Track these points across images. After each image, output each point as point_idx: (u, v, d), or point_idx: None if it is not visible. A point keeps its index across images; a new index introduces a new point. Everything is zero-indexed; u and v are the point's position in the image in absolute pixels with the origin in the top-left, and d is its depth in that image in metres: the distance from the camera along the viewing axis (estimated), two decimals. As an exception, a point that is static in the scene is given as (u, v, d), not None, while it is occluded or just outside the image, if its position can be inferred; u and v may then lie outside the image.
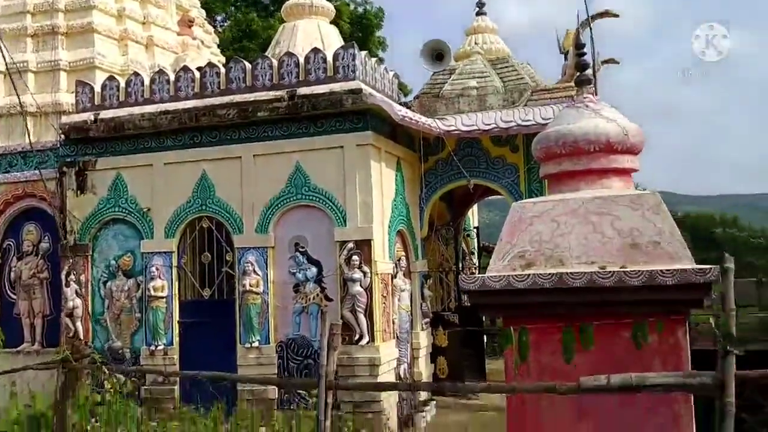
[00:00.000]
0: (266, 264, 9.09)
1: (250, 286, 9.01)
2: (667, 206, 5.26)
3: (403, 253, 9.95)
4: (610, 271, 4.98)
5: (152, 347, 9.43)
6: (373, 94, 8.78)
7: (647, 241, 5.04)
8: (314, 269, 8.92)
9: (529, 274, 5.24)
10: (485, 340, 11.95)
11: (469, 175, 10.05)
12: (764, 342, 9.11)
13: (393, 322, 9.22)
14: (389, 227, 9.28)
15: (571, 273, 5.09)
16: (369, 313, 8.56)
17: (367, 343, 8.50)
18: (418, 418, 8.97)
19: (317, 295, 8.88)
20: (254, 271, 9.04)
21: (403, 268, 9.86)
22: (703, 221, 48.80)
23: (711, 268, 4.59)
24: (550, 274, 5.17)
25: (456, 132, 9.76)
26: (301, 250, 8.99)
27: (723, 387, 2.96)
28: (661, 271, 4.80)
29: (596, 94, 7.22)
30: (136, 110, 9.74)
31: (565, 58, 10.02)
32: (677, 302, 4.84)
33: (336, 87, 8.83)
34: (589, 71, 6.56)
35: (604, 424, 4.93)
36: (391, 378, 8.79)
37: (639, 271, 4.84)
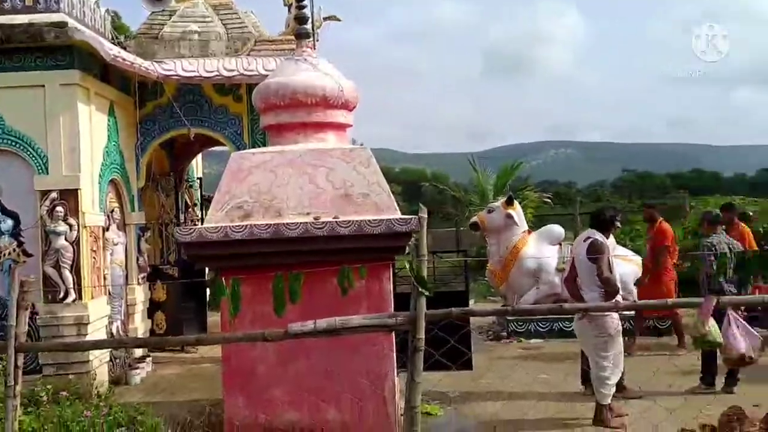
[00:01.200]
0: (-51, 216, 7.94)
1: (-72, 241, 7.81)
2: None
3: (117, 204, 9.33)
4: (323, 222, 5.19)
5: None
6: (80, 29, 7.97)
7: (358, 192, 5.34)
8: (10, 222, 7.97)
9: (246, 225, 5.27)
10: (207, 293, 11.78)
11: (191, 123, 9.67)
12: (457, 284, 10.23)
13: (104, 278, 8.65)
14: (100, 176, 8.61)
15: (287, 223, 5.22)
16: (76, 269, 7.91)
17: (74, 300, 7.87)
18: (132, 375, 8.59)
19: (14, 250, 7.98)
20: (-67, 225, 7.84)
21: (117, 220, 9.26)
22: (417, 176, 53.29)
23: (412, 218, 5.01)
24: (267, 224, 5.25)
25: (176, 77, 9.30)
26: (-7, 200, 7.99)
27: (415, 325, 3.23)
28: (369, 221, 5.13)
29: (315, 49, 7.39)
30: None
31: (289, 11, 10.03)
32: (383, 249, 5.23)
33: (36, 18, 7.85)
34: (309, 25, 6.68)
35: (314, 365, 5.19)
36: (102, 336, 8.28)
37: (350, 221, 5.12)
